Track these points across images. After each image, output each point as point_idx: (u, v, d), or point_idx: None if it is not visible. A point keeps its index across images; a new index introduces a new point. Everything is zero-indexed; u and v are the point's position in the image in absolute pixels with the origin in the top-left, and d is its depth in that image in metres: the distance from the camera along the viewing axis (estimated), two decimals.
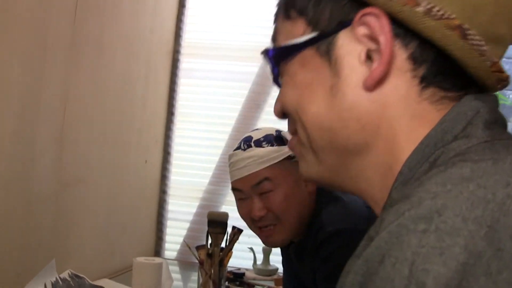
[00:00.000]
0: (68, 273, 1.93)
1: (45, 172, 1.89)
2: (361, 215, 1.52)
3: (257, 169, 1.56)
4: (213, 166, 3.12)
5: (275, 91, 3.11)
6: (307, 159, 0.67)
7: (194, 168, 3.14)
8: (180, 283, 2.53)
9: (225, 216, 2.18)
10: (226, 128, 3.10)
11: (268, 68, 0.70)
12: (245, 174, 1.57)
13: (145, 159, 2.84)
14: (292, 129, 0.69)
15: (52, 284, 1.83)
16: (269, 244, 1.64)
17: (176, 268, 2.86)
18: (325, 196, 1.61)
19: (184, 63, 3.19)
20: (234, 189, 1.64)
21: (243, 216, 1.63)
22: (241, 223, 1.75)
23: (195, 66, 3.18)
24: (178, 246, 3.09)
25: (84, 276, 1.96)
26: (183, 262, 2.96)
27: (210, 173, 3.13)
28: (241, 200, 1.63)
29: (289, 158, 1.58)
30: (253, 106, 3.09)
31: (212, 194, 3.10)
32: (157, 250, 3.05)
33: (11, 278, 1.72)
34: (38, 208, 1.87)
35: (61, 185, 1.99)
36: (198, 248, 1.93)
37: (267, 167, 1.56)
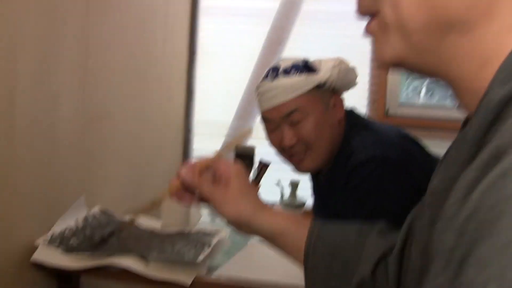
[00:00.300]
0: (98, 210, 1.95)
1: (69, 109, 1.89)
2: (392, 143, 1.54)
3: (286, 99, 1.55)
4: (237, 102, 3.10)
5: (296, 27, 3.07)
6: (390, 41, 0.58)
7: (218, 105, 3.12)
8: (207, 220, 2.54)
9: (252, 150, 2.18)
10: (249, 64, 3.06)
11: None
12: (274, 104, 1.57)
13: (168, 97, 2.83)
14: (372, 10, 0.60)
15: (83, 220, 1.85)
16: (300, 171, 1.65)
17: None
18: (355, 124, 1.62)
19: (205, 0, 3.14)
20: (263, 119, 1.64)
21: (274, 145, 1.64)
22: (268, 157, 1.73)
23: (216, 3, 3.13)
24: None
25: (114, 212, 1.98)
26: None
27: (234, 110, 3.11)
28: (271, 129, 1.63)
29: (318, 87, 1.57)
30: (275, 41, 3.05)
31: (236, 131, 3.08)
32: None
33: (42, 215, 1.74)
34: (64, 145, 1.87)
35: (86, 121, 1.99)
36: None
37: (296, 97, 1.55)
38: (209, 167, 0.98)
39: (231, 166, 1.00)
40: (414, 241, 0.74)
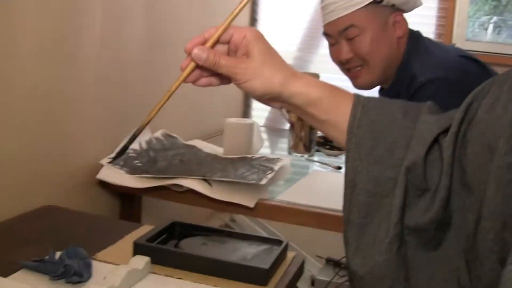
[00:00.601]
0: (161, 133, 1.95)
1: (135, 33, 1.88)
2: (453, 65, 1.58)
3: (343, 14, 1.60)
4: (301, 32, 3.05)
5: None
6: None
7: (282, 35, 3.07)
8: (269, 148, 2.53)
9: (316, 77, 2.14)
10: None
11: None
12: (332, 19, 1.63)
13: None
14: None
15: (147, 142, 1.86)
16: (357, 86, 1.70)
17: (264, 136, 2.86)
18: (416, 45, 1.66)
19: None
20: (325, 34, 1.71)
21: (333, 59, 1.72)
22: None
23: None
24: (266, 113, 3.09)
25: (177, 136, 1.99)
26: (271, 129, 2.96)
27: (298, 40, 3.05)
28: (331, 44, 1.70)
29: (376, 2, 1.59)
30: None
31: (300, 61, 3.03)
32: (245, 117, 3.06)
33: (107, 136, 1.75)
34: (129, 68, 1.87)
35: (151, 45, 1.98)
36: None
37: (353, 12, 1.59)
38: (221, 37, 0.86)
39: (246, 30, 0.86)
40: (474, 123, 0.74)
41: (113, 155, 1.69)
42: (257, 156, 1.87)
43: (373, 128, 0.81)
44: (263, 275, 1.10)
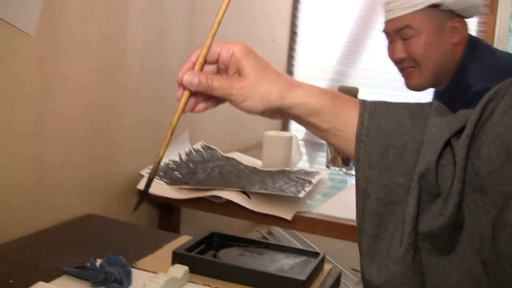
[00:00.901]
0: (201, 145, 1.98)
1: (177, 45, 1.91)
2: (508, 74, 1.52)
3: (401, 14, 1.65)
4: (340, 46, 3.05)
5: None
6: None
7: (321, 48, 3.08)
8: (307, 162, 2.54)
9: (355, 91, 2.14)
10: (353, 7, 2.99)
11: None
12: (391, 17, 1.68)
13: (272, 38, 2.82)
14: None
15: (186, 154, 1.88)
16: (408, 87, 1.75)
17: (303, 149, 2.87)
18: (473, 51, 1.66)
19: None
20: (383, 31, 1.75)
21: (389, 57, 1.76)
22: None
23: None
24: None
25: (216, 148, 2.01)
26: (310, 142, 2.96)
27: (337, 54, 3.06)
28: (389, 42, 1.75)
29: (434, 6, 1.62)
30: None
31: (339, 75, 3.04)
32: (284, 130, 3.07)
33: (147, 147, 1.78)
34: (170, 79, 1.89)
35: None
36: None
37: (411, 13, 1.63)
38: (208, 58, 0.83)
39: (233, 46, 0.82)
40: (490, 124, 0.73)
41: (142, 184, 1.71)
42: (295, 169, 1.88)
43: (382, 135, 0.79)
44: (300, 287, 1.10)
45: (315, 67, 3.09)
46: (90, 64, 1.51)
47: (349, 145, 0.82)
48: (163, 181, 1.71)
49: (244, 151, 2.25)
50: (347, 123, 0.81)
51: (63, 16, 1.39)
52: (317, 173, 1.80)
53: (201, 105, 0.86)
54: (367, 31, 2.97)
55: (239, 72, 0.82)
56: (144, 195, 0.90)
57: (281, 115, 0.85)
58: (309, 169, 1.87)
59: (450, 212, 0.73)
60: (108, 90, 1.59)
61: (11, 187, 1.31)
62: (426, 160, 0.75)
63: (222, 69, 0.84)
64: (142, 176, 1.71)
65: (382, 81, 2.85)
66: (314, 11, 3.09)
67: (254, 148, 2.42)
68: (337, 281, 1.25)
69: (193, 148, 1.94)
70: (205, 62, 0.83)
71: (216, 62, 0.84)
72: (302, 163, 2.25)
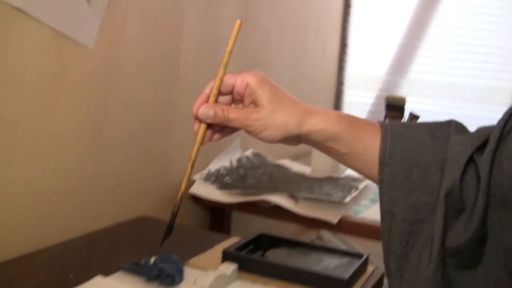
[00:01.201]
0: (251, 152, 2.04)
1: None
2: None
3: None
4: (390, 57, 3.08)
5: None
6: None
7: (371, 59, 3.11)
8: None
9: (403, 100, 2.17)
10: (403, 18, 3.02)
11: None
12: None
13: (323, 49, 2.86)
14: None
15: (237, 160, 1.94)
16: None
17: None
18: None
19: None
20: None
21: None
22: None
23: None
24: None
25: (266, 155, 2.06)
26: None
27: (387, 64, 3.09)
28: None
29: None
30: None
31: (389, 85, 3.06)
32: None
33: (202, 152, 1.84)
34: None
35: (245, 67, 2.07)
36: None
37: None
38: (223, 89, 0.85)
39: (247, 77, 0.84)
40: None
41: (205, 173, 1.78)
42: (343, 176, 1.92)
43: (405, 156, 0.79)
44: (343, 285, 1.15)
45: (365, 77, 3.12)
46: (145, 76, 1.59)
47: (369, 168, 0.83)
48: (214, 185, 1.77)
49: (294, 158, 2.30)
50: (367, 146, 0.82)
51: (120, 30, 1.47)
52: (363, 180, 1.84)
53: (217, 135, 0.88)
54: (417, 41, 2.99)
55: (254, 103, 0.83)
56: (170, 230, 0.91)
57: (299, 141, 0.86)
58: (356, 176, 1.90)
59: (475, 226, 0.73)
60: (162, 100, 1.67)
61: (71, 191, 1.40)
62: (451, 178, 0.75)
63: (237, 99, 0.86)
64: (195, 181, 1.78)
65: (432, 90, 2.86)
66: (364, 21, 3.12)
67: (304, 156, 2.47)
68: (380, 281, 1.29)
69: (244, 155, 2.00)
70: (219, 93, 0.85)
71: (231, 92, 0.86)
72: (349, 171, 2.28)
